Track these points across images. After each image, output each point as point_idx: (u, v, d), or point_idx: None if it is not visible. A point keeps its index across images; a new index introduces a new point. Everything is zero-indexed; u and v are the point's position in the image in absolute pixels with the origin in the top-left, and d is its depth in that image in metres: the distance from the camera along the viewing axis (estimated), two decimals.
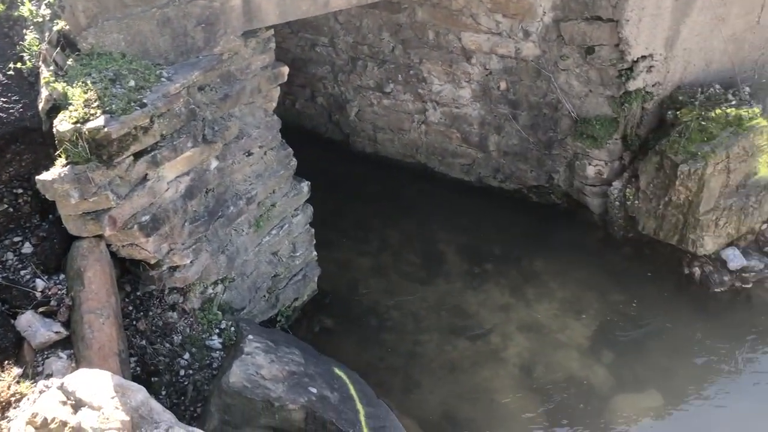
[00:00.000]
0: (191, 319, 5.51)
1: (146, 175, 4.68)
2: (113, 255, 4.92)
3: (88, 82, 4.43)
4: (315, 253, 6.91)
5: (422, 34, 8.25)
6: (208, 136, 5.15)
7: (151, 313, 5.34)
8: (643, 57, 7.00)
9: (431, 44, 8.27)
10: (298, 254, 6.60)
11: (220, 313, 5.69)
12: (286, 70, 5.84)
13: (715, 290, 7.17)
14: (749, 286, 7.21)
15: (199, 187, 5.20)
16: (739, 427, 5.92)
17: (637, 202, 7.38)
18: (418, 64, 8.55)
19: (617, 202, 7.62)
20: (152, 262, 5.03)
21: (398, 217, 8.57)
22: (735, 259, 7.22)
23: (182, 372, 5.25)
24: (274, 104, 5.88)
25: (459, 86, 8.40)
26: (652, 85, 7.28)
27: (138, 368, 5.09)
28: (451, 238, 8.25)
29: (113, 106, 4.35)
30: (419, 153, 9.33)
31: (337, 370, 5.77)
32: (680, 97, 7.31)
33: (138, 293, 5.35)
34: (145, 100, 4.50)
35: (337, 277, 7.59)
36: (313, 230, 6.74)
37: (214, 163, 5.33)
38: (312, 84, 9.88)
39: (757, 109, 6.93)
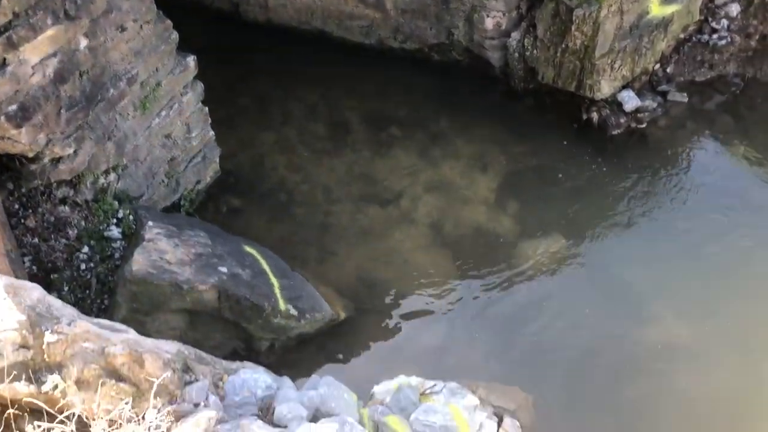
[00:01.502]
0: (86, 212, 5.27)
1: (5, 59, 4.25)
2: None
3: None
4: (212, 132, 6.62)
5: None
6: (71, 11, 4.67)
7: (40, 210, 5.05)
8: None
9: None
10: (193, 135, 6.31)
11: (116, 202, 5.45)
12: None
13: (613, 133, 7.40)
14: (644, 126, 7.48)
15: (70, 70, 4.78)
16: (637, 259, 6.31)
17: (535, 51, 7.35)
18: None
19: (516, 54, 7.58)
20: (30, 155, 4.69)
21: (299, 88, 8.27)
22: (630, 100, 7.41)
23: (83, 266, 5.08)
24: None
25: None
26: None
27: (34, 267, 4.88)
28: (356, 105, 8.07)
29: None
30: (315, 18, 8.88)
31: (246, 248, 5.73)
32: None
33: (23, 190, 5.03)
34: None
35: (240, 155, 7.36)
36: (206, 108, 6.41)
37: (84, 42, 4.87)
38: None
39: None
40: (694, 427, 5.03)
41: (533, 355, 5.66)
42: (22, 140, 4.49)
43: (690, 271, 6.10)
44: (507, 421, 4.73)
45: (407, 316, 5.95)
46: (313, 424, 3.52)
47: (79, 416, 3.07)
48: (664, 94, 7.66)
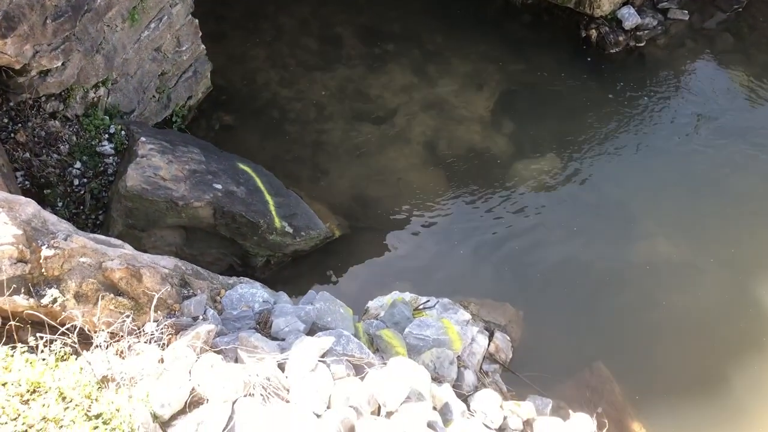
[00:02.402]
0: (76, 126, 5.19)
1: None
2: None
3: None
4: (203, 46, 6.44)
5: None
6: None
7: (30, 124, 4.97)
8: None
9: None
10: (184, 49, 6.14)
11: (107, 117, 5.36)
12: None
13: (611, 51, 7.28)
14: (642, 44, 7.35)
15: None
16: (629, 180, 6.34)
17: None
18: None
19: None
20: (17, 67, 4.56)
21: (291, 2, 8.01)
22: (630, 17, 7.24)
23: (76, 182, 5.04)
24: None
25: None
26: None
27: (27, 182, 4.84)
28: (348, 19, 7.84)
29: None
30: None
31: (241, 165, 5.70)
32: None
33: (11, 104, 4.93)
34: None
35: (232, 71, 7.19)
36: (196, 21, 6.21)
37: None
38: None
39: None
40: (677, 341, 5.18)
41: (524, 272, 5.75)
42: (8, 51, 4.36)
43: (682, 192, 6.14)
44: (498, 335, 4.87)
45: (401, 234, 6.00)
46: (309, 337, 3.60)
47: (80, 329, 3.11)
48: (664, 11, 7.49)
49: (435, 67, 7.33)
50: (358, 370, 3.56)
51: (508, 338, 4.91)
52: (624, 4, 7.27)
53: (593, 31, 7.28)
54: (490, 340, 4.74)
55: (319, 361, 3.41)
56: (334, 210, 6.07)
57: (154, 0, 5.60)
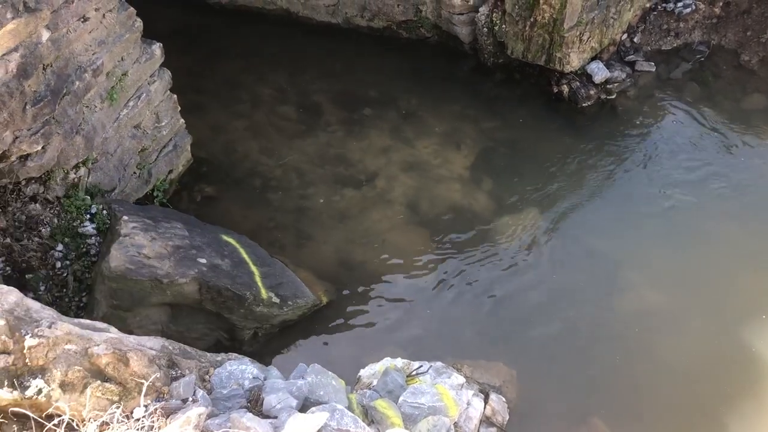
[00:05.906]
0: (57, 208, 5.16)
1: None
2: None
3: None
4: (182, 120, 6.50)
5: None
6: (30, 3, 4.51)
7: (10, 209, 4.94)
8: None
9: None
10: (163, 124, 6.19)
11: (88, 197, 5.34)
12: None
13: (583, 105, 7.45)
14: (613, 96, 7.54)
15: (33, 64, 4.64)
16: (610, 230, 6.40)
17: (504, 26, 7.33)
18: None
19: (485, 29, 7.55)
20: None
21: (268, 71, 8.15)
22: (599, 71, 7.44)
23: (59, 264, 4.98)
24: None
25: None
26: None
27: (8, 268, 4.77)
28: (326, 86, 7.98)
29: None
30: None
31: (225, 237, 5.68)
32: None
33: None
34: None
35: (212, 142, 7.24)
36: (175, 96, 6.28)
37: (46, 35, 4.73)
38: None
39: None
40: (670, 391, 5.15)
41: (513, 328, 5.72)
42: None
43: (663, 239, 6.20)
44: (493, 396, 4.81)
45: (388, 297, 5.97)
46: (302, 414, 3.53)
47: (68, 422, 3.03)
48: (632, 64, 7.72)
49: (412, 129, 7.44)
50: None
51: (504, 399, 4.85)
52: (592, 59, 7.47)
53: (565, 86, 7.47)
54: (485, 403, 4.68)
55: None
56: (321, 276, 6.05)
57: (132, 79, 5.67)
